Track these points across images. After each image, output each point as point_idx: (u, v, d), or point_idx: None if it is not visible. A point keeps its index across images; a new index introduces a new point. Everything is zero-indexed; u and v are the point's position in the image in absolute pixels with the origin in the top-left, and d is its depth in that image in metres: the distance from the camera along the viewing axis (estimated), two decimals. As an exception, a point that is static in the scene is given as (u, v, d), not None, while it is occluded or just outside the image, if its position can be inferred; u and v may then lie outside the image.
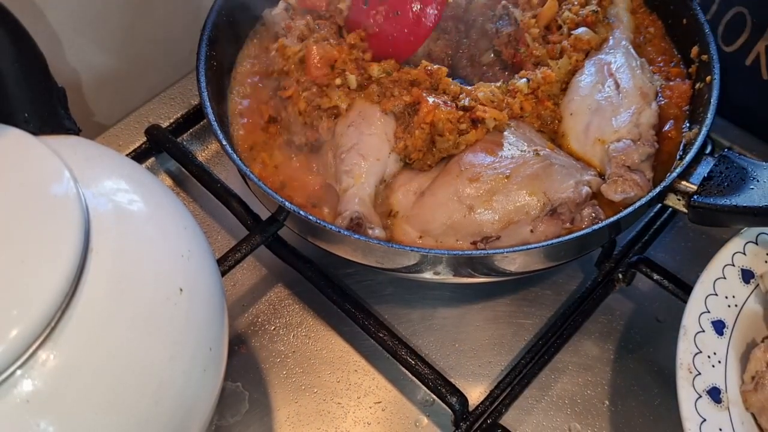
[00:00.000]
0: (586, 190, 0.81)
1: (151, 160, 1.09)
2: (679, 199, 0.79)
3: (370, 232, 0.81)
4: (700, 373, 0.74)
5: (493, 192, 0.80)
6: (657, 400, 0.87)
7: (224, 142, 0.82)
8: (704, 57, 0.88)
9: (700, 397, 0.73)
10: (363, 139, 0.85)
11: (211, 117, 0.84)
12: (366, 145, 0.84)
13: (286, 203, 0.78)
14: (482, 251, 0.78)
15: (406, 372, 0.85)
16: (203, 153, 1.11)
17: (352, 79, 0.87)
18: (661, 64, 0.89)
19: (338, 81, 0.87)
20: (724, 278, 0.81)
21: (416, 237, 0.82)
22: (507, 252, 0.76)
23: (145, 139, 1.06)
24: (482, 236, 0.80)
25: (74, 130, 0.71)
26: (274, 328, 0.93)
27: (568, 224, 0.80)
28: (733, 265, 0.82)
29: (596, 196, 0.83)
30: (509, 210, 0.80)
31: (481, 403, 0.84)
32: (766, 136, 1.08)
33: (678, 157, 0.85)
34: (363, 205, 0.82)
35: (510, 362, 0.90)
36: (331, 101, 0.87)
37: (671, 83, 0.90)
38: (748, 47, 1.00)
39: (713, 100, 0.83)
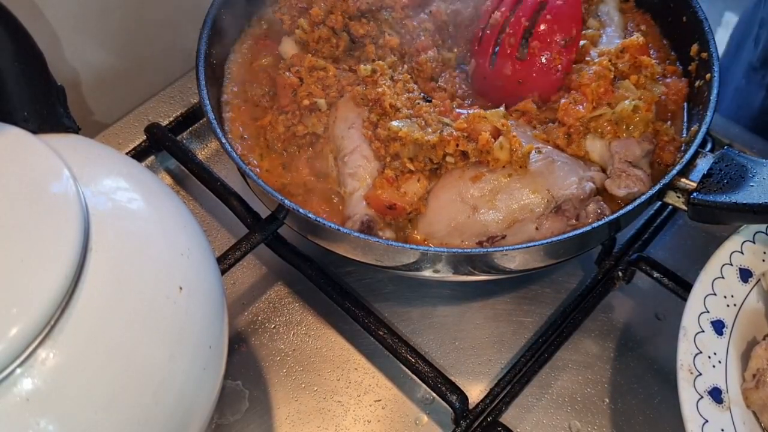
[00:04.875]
0: (590, 186, 0.81)
1: (151, 158, 1.09)
2: (678, 197, 0.79)
3: (381, 234, 0.81)
4: (700, 374, 0.74)
5: (496, 191, 0.80)
6: (657, 398, 0.87)
7: (224, 141, 0.82)
8: (704, 55, 0.88)
9: (702, 397, 0.73)
10: (365, 141, 0.84)
11: (211, 115, 0.84)
12: (369, 146, 0.84)
13: (286, 201, 0.78)
14: (481, 249, 0.78)
15: (406, 370, 0.85)
16: (203, 151, 1.11)
17: (322, 103, 0.87)
18: (657, 62, 0.89)
19: (305, 102, 0.86)
20: (723, 278, 0.81)
21: (421, 241, 0.82)
22: (506, 250, 0.76)
23: (144, 137, 1.06)
24: (487, 236, 0.80)
25: (74, 129, 0.71)
26: (274, 327, 0.93)
27: (573, 221, 0.80)
28: (732, 265, 0.82)
29: (599, 192, 0.83)
30: (513, 209, 0.80)
31: (481, 401, 0.84)
32: (760, 127, 1.07)
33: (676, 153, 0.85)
34: (370, 208, 0.82)
35: (510, 360, 0.90)
36: (306, 128, 0.87)
37: (667, 80, 0.90)
38: None
39: (713, 98, 0.83)
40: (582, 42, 0.90)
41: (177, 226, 0.66)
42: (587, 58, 0.87)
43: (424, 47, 0.91)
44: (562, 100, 0.84)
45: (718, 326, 0.78)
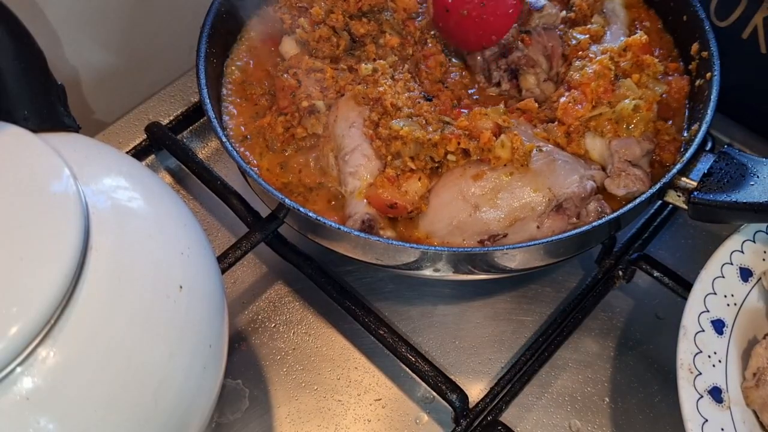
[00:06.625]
0: (590, 184, 0.81)
1: (151, 157, 1.09)
2: (679, 196, 0.79)
3: (381, 233, 0.81)
4: (700, 373, 0.74)
5: (497, 189, 0.80)
6: (657, 397, 0.87)
7: (224, 140, 0.82)
8: (704, 54, 0.88)
9: (702, 397, 0.73)
10: (366, 140, 0.84)
11: (211, 114, 0.84)
12: (369, 145, 0.84)
13: (286, 200, 0.78)
14: (481, 248, 0.78)
15: (407, 369, 0.85)
16: (203, 150, 1.10)
17: (321, 105, 0.87)
18: (659, 59, 0.89)
19: (304, 104, 0.86)
20: (723, 277, 0.81)
21: (422, 239, 0.82)
22: (507, 249, 0.76)
23: (144, 136, 1.06)
24: (489, 234, 0.80)
25: (74, 128, 0.71)
26: (275, 326, 0.93)
27: (574, 219, 0.80)
28: (732, 264, 0.82)
29: (600, 191, 0.83)
30: (514, 207, 0.80)
31: (482, 400, 0.84)
32: (761, 126, 1.07)
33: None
34: (371, 207, 0.82)
35: (510, 359, 0.90)
36: (305, 130, 0.87)
37: (669, 78, 0.90)
38: (745, 20, 0.98)
39: (713, 97, 0.83)
40: (583, 36, 0.91)
41: (177, 225, 0.66)
42: (590, 55, 0.87)
43: (431, 53, 0.92)
44: (562, 99, 0.84)
45: (719, 325, 0.78)
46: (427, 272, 0.81)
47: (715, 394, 0.74)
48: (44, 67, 0.70)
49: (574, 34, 0.91)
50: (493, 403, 0.84)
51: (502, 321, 0.93)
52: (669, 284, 0.89)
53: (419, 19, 0.93)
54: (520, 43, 0.91)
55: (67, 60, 1.07)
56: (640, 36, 0.87)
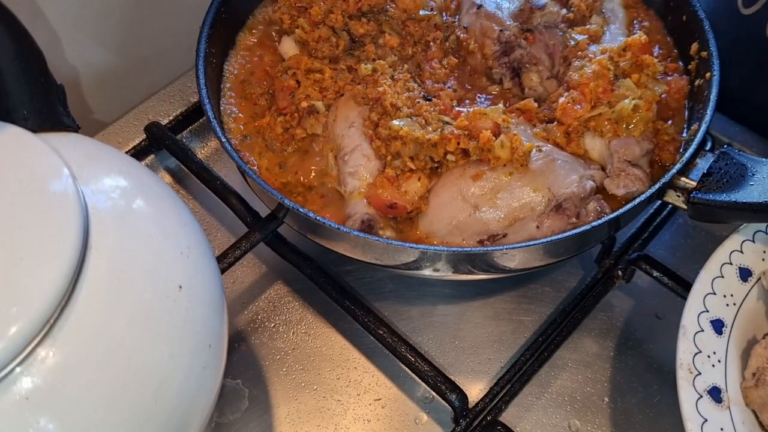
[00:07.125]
0: (590, 184, 0.81)
1: (151, 157, 1.09)
2: (678, 196, 0.79)
3: (381, 233, 0.81)
4: (700, 373, 0.74)
5: (497, 189, 0.80)
6: (657, 397, 0.87)
7: (224, 139, 0.83)
8: (704, 54, 0.88)
9: (701, 397, 0.73)
10: (366, 140, 0.84)
11: (211, 114, 0.84)
12: (369, 145, 0.84)
13: (286, 200, 0.78)
14: (480, 248, 0.78)
15: (406, 369, 0.85)
16: (203, 150, 1.10)
17: (320, 105, 0.87)
18: (658, 59, 0.89)
19: (303, 104, 0.87)
20: (722, 277, 0.81)
21: (421, 239, 0.82)
22: (506, 249, 0.76)
23: (144, 136, 1.06)
24: (488, 234, 0.80)
25: (73, 128, 0.71)
26: (274, 326, 0.93)
27: (573, 219, 0.80)
28: (731, 264, 0.82)
29: (599, 190, 0.83)
30: (514, 207, 0.80)
31: (481, 400, 0.84)
32: (761, 126, 1.07)
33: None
34: (371, 207, 0.82)
35: (510, 359, 0.90)
36: (305, 131, 0.87)
37: (668, 78, 0.90)
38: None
39: (713, 97, 0.83)
40: (582, 37, 0.91)
41: (177, 224, 0.66)
42: (589, 55, 0.87)
43: (435, 56, 0.92)
44: (561, 100, 0.84)
45: (718, 325, 0.78)
46: (427, 272, 0.81)
47: (715, 394, 0.74)
48: (44, 67, 0.70)
49: (573, 35, 0.91)
50: (493, 403, 0.84)
51: (501, 321, 0.93)
52: (668, 284, 0.89)
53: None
54: (522, 41, 0.91)
55: (66, 60, 1.07)
56: (640, 36, 0.87)
